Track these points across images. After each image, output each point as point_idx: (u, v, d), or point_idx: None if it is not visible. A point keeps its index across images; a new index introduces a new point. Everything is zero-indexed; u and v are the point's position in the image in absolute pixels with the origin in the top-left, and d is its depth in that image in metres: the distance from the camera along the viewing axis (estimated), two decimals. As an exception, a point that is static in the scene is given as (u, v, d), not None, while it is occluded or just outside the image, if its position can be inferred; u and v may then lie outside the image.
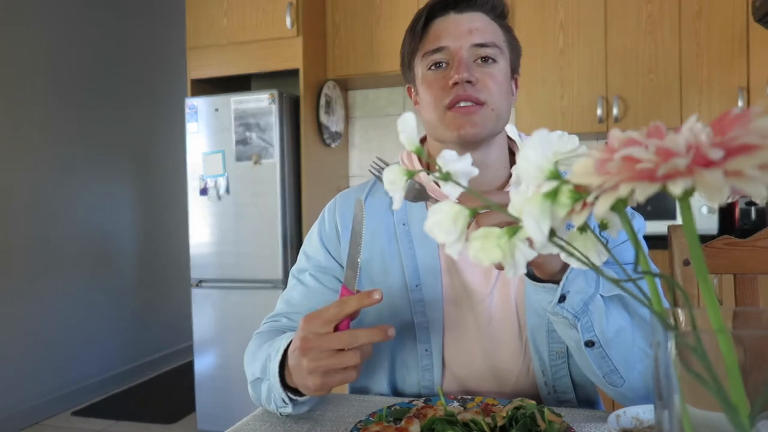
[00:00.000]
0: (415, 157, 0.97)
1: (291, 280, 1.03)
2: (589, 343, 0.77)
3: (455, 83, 0.86)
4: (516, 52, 0.96)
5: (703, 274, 0.31)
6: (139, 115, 3.91)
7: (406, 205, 0.97)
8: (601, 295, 0.77)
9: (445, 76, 0.88)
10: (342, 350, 0.72)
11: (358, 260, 0.77)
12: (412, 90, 0.99)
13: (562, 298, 0.74)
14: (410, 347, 0.97)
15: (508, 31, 0.94)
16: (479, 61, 0.89)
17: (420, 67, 0.93)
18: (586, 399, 0.97)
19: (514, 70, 0.96)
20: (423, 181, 0.96)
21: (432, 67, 0.91)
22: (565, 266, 0.73)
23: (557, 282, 0.74)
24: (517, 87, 0.98)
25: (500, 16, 0.93)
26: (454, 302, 0.95)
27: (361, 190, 1.04)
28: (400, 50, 0.98)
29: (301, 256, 1.04)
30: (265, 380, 0.84)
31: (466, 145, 0.88)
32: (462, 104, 0.87)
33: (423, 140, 1.01)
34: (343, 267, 1.00)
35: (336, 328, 0.72)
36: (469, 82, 0.86)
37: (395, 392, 1.01)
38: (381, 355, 0.99)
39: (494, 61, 0.89)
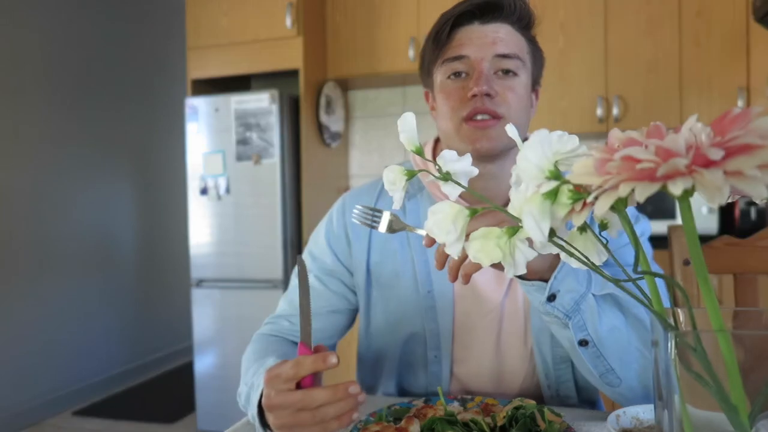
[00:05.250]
0: (429, 156, 0.96)
1: (294, 280, 1.02)
2: (583, 343, 0.77)
3: (474, 95, 0.85)
4: (539, 63, 0.94)
5: (703, 274, 0.31)
6: (139, 115, 3.91)
7: (420, 209, 0.96)
8: (594, 294, 0.77)
9: (464, 86, 0.87)
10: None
11: (310, 314, 0.74)
12: (430, 96, 0.97)
13: (553, 297, 0.74)
14: (419, 353, 0.96)
15: (532, 42, 0.92)
16: (500, 73, 0.87)
17: (439, 74, 0.91)
18: (587, 400, 0.97)
19: (536, 82, 0.94)
20: (426, 181, 0.95)
21: (451, 76, 0.89)
22: (554, 265, 0.73)
23: (547, 280, 0.74)
24: (537, 98, 0.96)
25: (526, 27, 0.91)
26: (465, 309, 0.94)
27: (372, 189, 1.02)
28: (420, 54, 0.96)
29: (305, 256, 1.02)
30: (249, 408, 0.82)
31: (480, 158, 0.87)
32: (479, 117, 0.85)
33: (437, 141, 0.99)
34: (350, 271, 0.99)
35: (299, 384, 0.70)
36: (488, 95, 0.84)
37: (401, 394, 1.01)
38: (390, 359, 0.99)
39: (515, 74, 0.87)
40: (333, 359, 0.68)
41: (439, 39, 0.89)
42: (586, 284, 0.76)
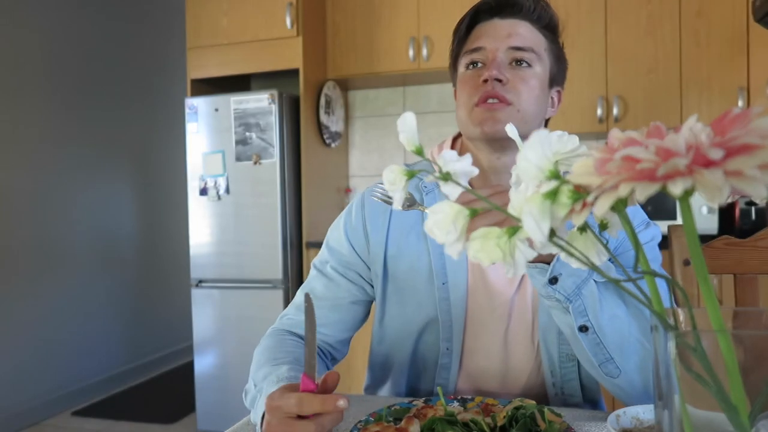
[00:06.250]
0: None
1: (312, 271, 1.03)
2: (583, 329, 0.78)
3: (485, 80, 0.88)
4: (561, 64, 0.96)
5: (703, 274, 0.31)
6: (139, 115, 3.91)
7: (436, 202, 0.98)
8: (595, 281, 0.78)
9: (480, 75, 0.90)
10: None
11: (316, 347, 0.73)
12: (456, 91, 1.00)
13: (555, 280, 0.75)
14: (431, 344, 0.98)
15: (554, 42, 0.95)
16: (514, 63, 0.90)
17: (460, 67, 0.95)
18: (590, 399, 0.98)
19: (555, 81, 0.96)
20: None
21: (469, 66, 0.93)
22: None
23: (550, 263, 0.75)
24: (559, 101, 0.98)
25: (547, 27, 0.94)
26: (477, 302, 0.96)
27: None
28: (450, 53, 1.01)
29: (323, 248, 1.04)
30: (253, 411, 0.82)
31: (491, 142, 0.90)
32: (490, 101, 0.88)
33: (458, 137, 1.01)
34: (367, 265, 1.00)
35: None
36: (498, 80, 0.88)
37: (409, 387, 1.02)
38: (402, 352, 1.00)
39: (529, 65, 0.90)
40: (342, 402, 0.66)
41: (461, 33, 0.95)
42: (588, 270, 0.76)
